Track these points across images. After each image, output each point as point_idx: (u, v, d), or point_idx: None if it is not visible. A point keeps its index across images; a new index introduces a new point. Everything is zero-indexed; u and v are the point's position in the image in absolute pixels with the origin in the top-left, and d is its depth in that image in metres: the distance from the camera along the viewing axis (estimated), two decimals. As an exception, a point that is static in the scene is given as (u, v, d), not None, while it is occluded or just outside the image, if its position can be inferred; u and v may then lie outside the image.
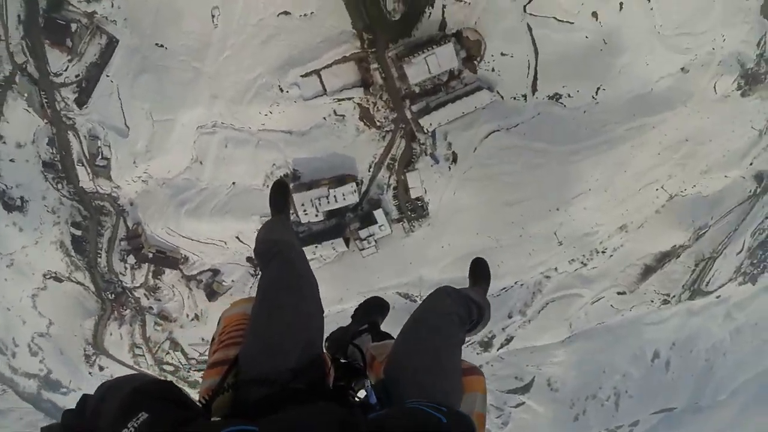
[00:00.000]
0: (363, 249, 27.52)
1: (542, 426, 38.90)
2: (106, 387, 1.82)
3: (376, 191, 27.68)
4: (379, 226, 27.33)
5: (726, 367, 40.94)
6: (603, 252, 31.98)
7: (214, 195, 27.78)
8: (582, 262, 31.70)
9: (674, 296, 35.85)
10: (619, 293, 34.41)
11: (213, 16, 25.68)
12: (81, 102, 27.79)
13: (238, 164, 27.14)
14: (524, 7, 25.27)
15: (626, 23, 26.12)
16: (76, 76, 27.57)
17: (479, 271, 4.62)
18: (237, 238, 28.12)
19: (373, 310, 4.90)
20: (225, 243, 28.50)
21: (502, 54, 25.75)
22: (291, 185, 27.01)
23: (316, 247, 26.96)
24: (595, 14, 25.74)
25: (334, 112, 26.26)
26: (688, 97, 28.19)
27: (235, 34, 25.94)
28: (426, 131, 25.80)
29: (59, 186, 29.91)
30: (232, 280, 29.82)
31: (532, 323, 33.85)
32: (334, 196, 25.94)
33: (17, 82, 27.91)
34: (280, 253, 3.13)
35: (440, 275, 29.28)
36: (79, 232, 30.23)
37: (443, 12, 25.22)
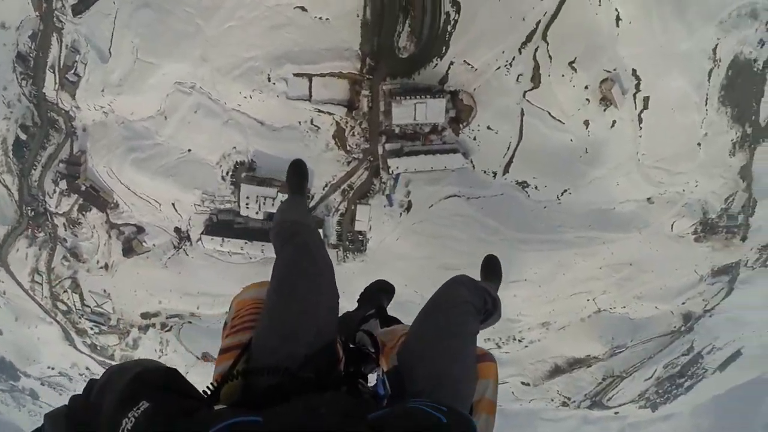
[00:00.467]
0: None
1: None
2: (110, 372, 1.77)
3: (323, 211, 27.49)
4: None
5: None
6: (520, 341, 32.56)
7: (167, 154, 26.97)
8: (497, 344, 32.17)
9: (574, 401, 36.72)
10: (523, 383, 35.00)
11: None
12: (77, 10, 26.61)
13: (201, 133, 26.47)
14: (524, 92, 25.70)
15: (612, 141, 26.87)
16: None
17: (491, 267, 4.59)
18: (173, 205, 27.41)
19: (379, 293, 4.80)
20: (159, 205, 27.71)
21: (489, 128, 26.02)
22: (243, 174, 26.48)
23: (245, 243, 26.32)
24: (587, 123, 26.36)
25: (311, 120, 25.93)
26: (645, 226, 29.26)
27: (248, 8, 25.38)
28: (391, 172, 25.72)
29: (23, 83, 28.63)
30: (153, 244, 28.95)
31: None
32: (281, 201, 25.28)
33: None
34: (296, 235, 3.04)
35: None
36: (24, 136, 28.91)
37: (449, 68, 25.37)
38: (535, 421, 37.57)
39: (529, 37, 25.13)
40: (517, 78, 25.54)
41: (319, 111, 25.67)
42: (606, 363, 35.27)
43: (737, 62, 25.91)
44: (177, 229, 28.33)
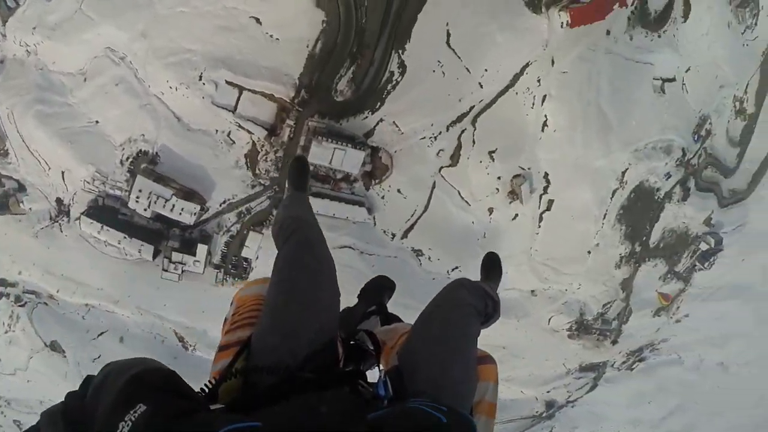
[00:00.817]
0: (166, 270, 26.26)
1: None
2: (107, 371, 1.69)
3: (214, 228, 27.03)
4: (194, 261, 26.32)
5: None
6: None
7: (73, 118, 25.64)
8: None
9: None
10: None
11: None
12: None
13: (115, 109, 25.39)
14: (441, 168, 26.54)
15: (511, 232, 28.26)
16: None
17: (492, 265, 4.53)
18: (62, 174, 25.96)
19: (380, 289, 4.71)
20: (49, 169, 26.24)
21: (399, 191, 26.62)
22: (143, 164, 25.54)
23: (124, 237, 25.30)
24: (491, 210, 27.57)
25: (229, 133, 25.53)
26: (525, 315, 30.77)
27: (205, 0, 24.56)
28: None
29: None
30: (30, 208, 27.19)
31: None
32: (173, 205, 24.78)
33: None
34: (298, 231, 3.00)
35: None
36: None
37: (377, 124, 25.84)
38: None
39: (459, 118, 26.14)
40: (438, 152, 26.37)
41: (240, 126, 25.30)
42: None
43: (641, 188, 28.06)
44: (59, 200, 26.85)
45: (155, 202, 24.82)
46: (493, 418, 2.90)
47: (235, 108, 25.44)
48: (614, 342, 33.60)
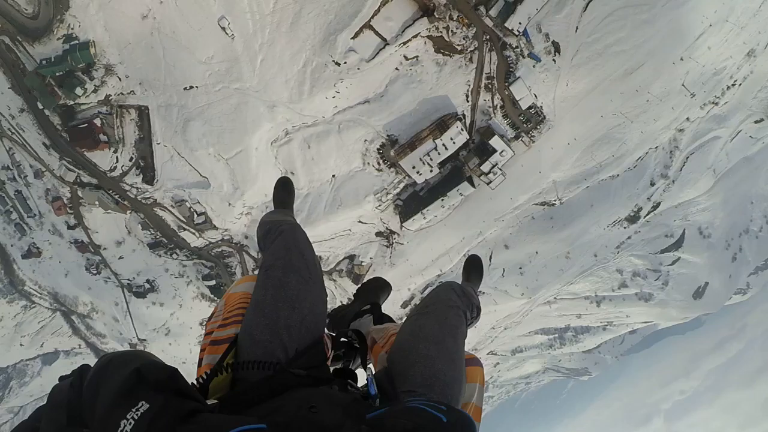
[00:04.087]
0: (490, 182, 24.57)
1: (702, 275, 35.95)
2: (106, 361, 1.53)
3: (483, 119, 23.82)
4: (500, 153, 23.76)
5: None
6: (733, 85, 26.75)
7: (320, 197, 25.29)
8: (713, 102, 27.00)
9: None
10: (756, 122, 29.67)
11: (223, 29, 21.74)
12: (149, 179, 25.80)
13: (329, 157, 24.21)
14: None
15: None
16: (130, 160, 25.40)
17: (473, 268, 3.87)
18: (360, 222, 26.05)
19: (376, 290, 4.02)
20: (350, 230, 26.52)
21: None
22: (392, 151, 23.62)
23: (442, 200, 24.44)
24: None
25: (405, 57, 22.08)
26: None
27: (257, 33, 22.02)
28: (516, 33, 20.74)
29: (173, 256, 28.98)
30: (370, 258, 27.93)
31: (676, 183, 30.29)
32: (443, 145, 22.64)
33: (81, 196, 26.43)
34: (283, 233, 2.75)
35: (572, 171, 26.09)
36: (212, 282, 29.49)
37: None
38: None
39: None
40: None
41: (404, 43, 21.45)
42: None
43: None
44: (378, 233, 27.21)
45: (431, 160, 23.29)
46: (479, 421, 2.45)
47: (384, 40, 21.59)
48: None
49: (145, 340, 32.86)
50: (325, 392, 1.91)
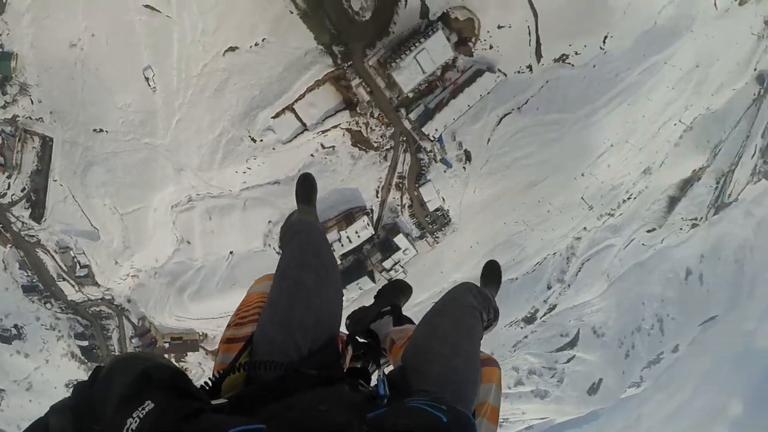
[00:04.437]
0: (391, 279, 24.00)
1: (596, 372, 37.77)
2: (115, 362, 1.56)
3: (390, 216, 23.94)
4: (403, 251, 23.90)
5: (755, 263, 39.99)
6: (629, 199, 29.34)
7: (214, 271, 23.77)
8: (610, 214, 29.21)
9: (701, 218, 33.82)
10: (648, 231, 32.34)
11: (147, 79, 20.51)
12: (37, 216, 23.34)
13: (230, 232, 23.01)
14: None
15: None
16: (22, 191, 23.07)
17: (492, 273, 4.25)
18: (257, 310, 23.91)
19: (396, 292, 4.18)
20: None
21: (499, 27, 21.14)
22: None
23: (357, 283, 23.76)
24: None
25: (322, 145, 21.70)
26: (692, 21, 25.32)
27: (179, 91, 20.89)
28: (431, 138, 21.30)
29: (47, 305, 26.13)
30: None
31: (572, 287, 31.87)
32: (347, 237, 22.38)
33: (-37, 220, 23.27)
34: (300, 233, 2.85)
35: (473, 272, 26.52)
36: (85, 343, 26.81)
37: (424, -6, 19.92)
38: (667, 252, 35.43)
39: None
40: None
41: (323, 132, 21.12)
42: (712, 167, 32.25)
43: None
44: None
45: (334, 250, 22.01)
46: (495, 424, 2.52)
47: (304, 125, 21.21)
48: None
49: (3, 390, 28.61)
50: (334, 392, 1.91)
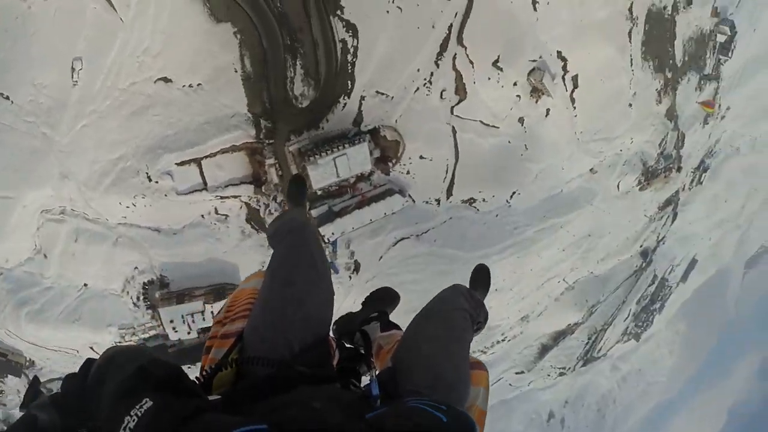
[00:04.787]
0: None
1: None
2: (111, 356, 1.59)
3: None
4: None
5: (617, 413, 42.99)
6: (503, 340, 30.60)
7: (62, 297, 21.81)
8: (482, 351, 30.20)
9: (569, 368, 36.21)
10: (517, 373, 33.78)
11: (74, 70, 19.01)
12: None
13: (92, 263, 21.29)
14: (452, 108, 21.47)
15: (549, 130, 24.42)
16: None
17: (481, 277, 4.37)
18: (91, 348, 22.04)
19: (383, 299, 4.42)
20: (77, 352, 22.58)
21: (421, 157, 22.14)
22: (157, 293, 21.26)
23: (189, 368, 21.45)
24: (521, 120, 23.25)
25: (216, 210, 21.03)
26: (594, 196, 28.11)
27: (98, 97, 19.51)
28: (326, 240, 21.24)
29: None
30: None
31: None
32: (211, 312, 20.91)
33: None
34: (292, 232, 2.95)
35: None
36: None
37: (360, 104, 20.83)
38: (533, 394, 37.10)
39: (443, 46, 20.74)
40: (441, 94, 21.43)
41: (221, 197, 20.52)
42: (587, 324, 34.93)
43: (651, 14, 24.41)
44: None
45: (193, 322, 20.94)
46: (482, 426, 2.58)
47: (205, 183, 20.53)
48: (679, 169, 32.30)
49: None
50: (327, 391, 1.96)
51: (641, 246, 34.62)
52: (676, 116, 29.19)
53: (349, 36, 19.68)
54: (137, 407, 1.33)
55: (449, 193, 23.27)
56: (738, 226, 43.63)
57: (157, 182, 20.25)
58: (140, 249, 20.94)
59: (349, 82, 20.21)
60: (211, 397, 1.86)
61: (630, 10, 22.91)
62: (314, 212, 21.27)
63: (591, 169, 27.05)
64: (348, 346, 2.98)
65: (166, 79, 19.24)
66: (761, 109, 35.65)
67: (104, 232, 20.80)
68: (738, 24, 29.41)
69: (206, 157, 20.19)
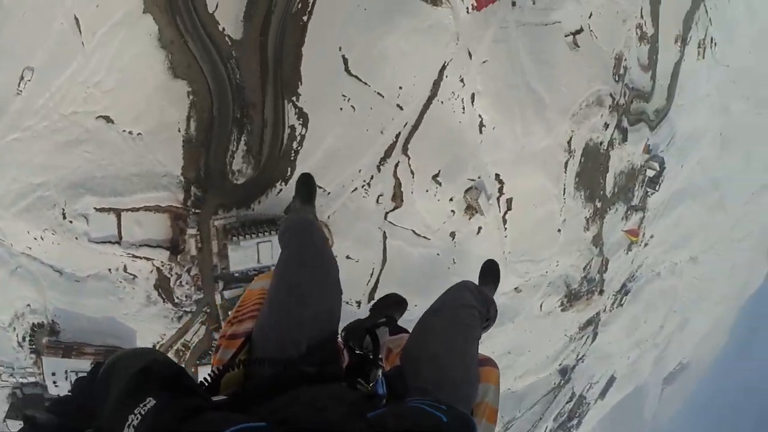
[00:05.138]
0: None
1: None
2: (117, 358, 1.64)
3: None
4: None
5: None
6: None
7: None
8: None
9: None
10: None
11: (22, 78, 17.97)
12: None
13: None
14: (386, 214, 21.84)
15: (479, 247, 25.04)
16: None
17: (490, 272, 4.43)
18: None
19: (391, 305, 4.53)
20: None
21: (348, 257, 21.98)
22: (45, 339, 19.61)
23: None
24: (452, 234, 23.78)
25: (125, 267, 20.02)
26: (516, 314, 28.64)
27: (36, 115, 18.43)
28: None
29: None
30: None
31: None
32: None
33: None
34: (303, 231, 3.03)
35: None
36: None
37: (295, 193, 20.28)
38: None
39: (388, 152, 21.30)
40: (377, 199, 21.82)
41: (134, 256, 19.58)
42: None
43: (588, 149, 26.13)
44: None
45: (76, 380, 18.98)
46: (493, 423, 2.65)
47: (120, 237, 19.60)
48: (601, 292, 33.75)
49: None
50: (331, 389, 1.95)
51: (560, 364, 35.50)
52: (602, 243, 30.83)
53: (300, 124, 19.88)
54: (141, 406, 1.36)
55: (371, 297, 23.15)
56: (656, 345, 45.85)
57: (71, 222, 19.17)
58: (37, 286, 19.58)
59: (290, 168, 20.25)
60: (216, 398, 1.88)
61: (569, 143, 24.66)
62: (227, 293, 20.52)
63: (516, 288, 27.90)
64: (357, 352, 2.92)
65: (108, 119, 18.53)
66: (681, 237, 38.40)
67: (4, 257, 19.34)
68: (667, 161, 31.99)
69: (127, 210, 19.37)
